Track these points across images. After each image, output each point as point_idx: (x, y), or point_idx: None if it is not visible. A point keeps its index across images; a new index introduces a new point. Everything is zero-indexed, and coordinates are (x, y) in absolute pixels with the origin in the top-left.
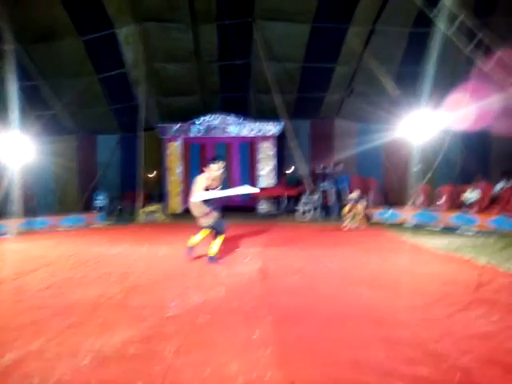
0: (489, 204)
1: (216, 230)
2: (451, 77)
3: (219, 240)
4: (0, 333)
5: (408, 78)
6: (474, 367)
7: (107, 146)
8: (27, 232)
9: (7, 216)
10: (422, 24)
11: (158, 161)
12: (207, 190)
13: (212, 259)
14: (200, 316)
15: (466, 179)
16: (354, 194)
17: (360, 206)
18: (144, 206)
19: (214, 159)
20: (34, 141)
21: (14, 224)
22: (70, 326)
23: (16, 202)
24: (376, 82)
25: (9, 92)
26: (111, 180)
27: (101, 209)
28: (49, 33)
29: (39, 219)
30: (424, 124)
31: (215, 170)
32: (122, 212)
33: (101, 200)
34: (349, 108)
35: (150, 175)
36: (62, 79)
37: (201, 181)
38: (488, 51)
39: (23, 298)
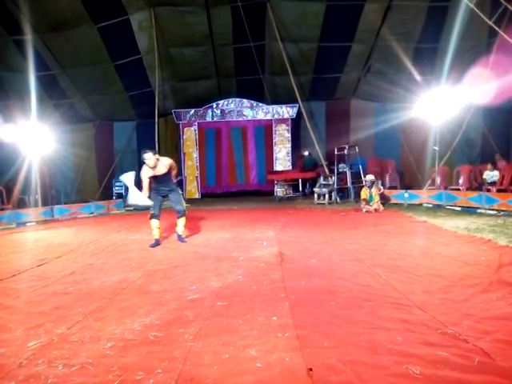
0: (510, 183)
1: None
2: (472, 51)
3: None
4: (26, 318)
5: (427, 55)
6: (493, 349)
7: (124, 133)
8: (48, 220)
9: (28, 205)
10: None
11: (174, 146)
12: None
13: None
14: (219, 300)
15: (486, 159)
16: (369, 177)
17: (377, 189)
18: None
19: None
20: (53, 130)
21: (35, 213)
22: (93, 312)
23: (36, 191)
24: (393, 60)
25: (27, 82)
26: (129, 167)
27: (119, 196)
28: (64, 22)
29: (59, 207)
30: (443, 102)
31: None
32: None
33: (119, 187)
34: (365, 87)
35: None
36: (79, 67)
37: None
38: None
39: (47, 285)
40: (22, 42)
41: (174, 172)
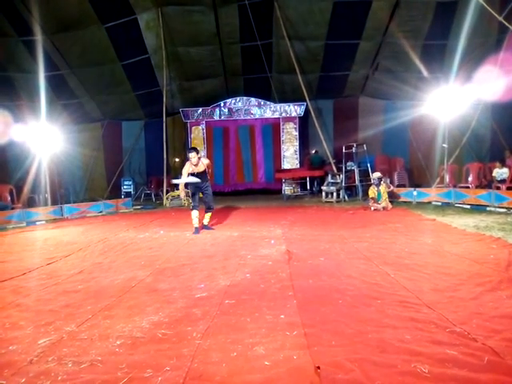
0: None
1: None
2: (482, 48)
3: None
4: (36, 316)
5: (435, 52)
6: (502, 348)
7: (132, 132)
8: (57, 219)
9: (38, 204)
10: None
11: (182, 145)
12: None
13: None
14: (227, 298)
15: (495, 156)
16: (376, 174)
17: (385, 186)
18: (169, 190)
19: None
20: (62, 130)
21: (44, 211)
22: (102, 310)
23: (46, 190)
24: (402, 57)
25: (37, 82)
26: (137, 166)
27: (127, 195)
28: (72, 22)
29: (68, 206)
30: (452, 99)
31: None
32: (148, 197)
33: (127, 186)
34: (374, 85)
35: (175, 159)
36: (87, 67)
37: None
38: None
39: (57, 283)
40: (32, 43)
41: (209, 171)
